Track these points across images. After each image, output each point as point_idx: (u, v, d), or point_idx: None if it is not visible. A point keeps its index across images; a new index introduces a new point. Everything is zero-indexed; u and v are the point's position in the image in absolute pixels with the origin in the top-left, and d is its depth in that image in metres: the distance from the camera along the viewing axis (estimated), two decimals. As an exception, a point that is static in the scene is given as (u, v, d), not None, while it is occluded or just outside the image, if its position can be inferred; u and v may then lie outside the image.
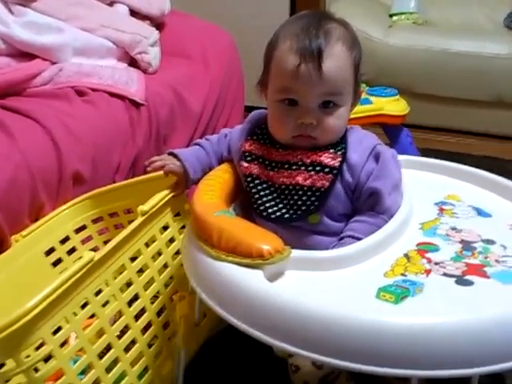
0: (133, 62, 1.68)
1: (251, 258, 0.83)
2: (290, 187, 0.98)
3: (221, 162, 1.12)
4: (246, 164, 1.03)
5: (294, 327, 0.75)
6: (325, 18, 0.99)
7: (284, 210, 0.98)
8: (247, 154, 1.03)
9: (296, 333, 0.75)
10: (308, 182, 0.96)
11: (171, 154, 1.11)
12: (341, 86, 0.96)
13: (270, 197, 1.00)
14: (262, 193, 1.01)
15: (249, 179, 1.02)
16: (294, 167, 0.98)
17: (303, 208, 0.97)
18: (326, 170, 0.96)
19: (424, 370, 0.71)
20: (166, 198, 1.09)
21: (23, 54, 1.48)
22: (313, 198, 0.96)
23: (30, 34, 1.46)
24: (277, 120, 1.00)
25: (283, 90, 0.97)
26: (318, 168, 0.96)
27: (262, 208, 1.00)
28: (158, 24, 1.88)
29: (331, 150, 0.97)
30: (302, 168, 0.97)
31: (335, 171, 0.96)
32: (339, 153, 0.97)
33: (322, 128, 0.96)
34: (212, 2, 2.78)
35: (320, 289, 0.81)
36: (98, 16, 1.63)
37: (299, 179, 0.97)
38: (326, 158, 0.97)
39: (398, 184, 1.00)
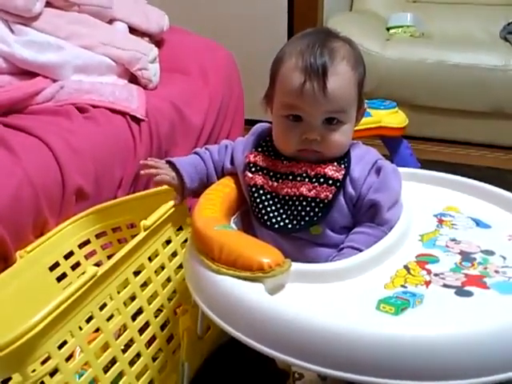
0: (133, 79, 1.70)
1: (251, 272, 0.83)
2: (294, 198, 0.99)
3: (222, 173, 1.12)
4: (250, 175, 1.04)
5: (295, 339, 0.76)
6: (330, 35, 1.00)
7: (287, 221, 0.99)
8: (252, 165, 1.04)
9: (296, 345, 0.76)
10: (312, 193, 0.97)
11: (169, 162, 1.11)
12: (345, 103, 0.97)
13: (273, 207, 1.01)
14: (265, 203, 1.01)
15: (253, 189, 1.03)
16: (299, 178, 0.99)
17: (306, 219, 0.98)
18: (330, 181, 0.97)
19: (424, 381, 0.71)
20: (169, 213, 1.10)
21: (25, 72, 1.49)
22: (316, 210, 0.97)
23: (31, 52, 1.48)
24: (281, 134, 1.01)
25: (288, 107, 0.98)
26: (321, 180, 0.98)
27: (265, 218, 1.01)
28: (157, 41, 1.90)
29: (335, 163, 0.99)
30: (307, 179, 0.98)
31: (338, 183, 0.97)
32: (343, 166, 0.99)
33: (326, 144, 0.98)
34: (210, 18, 2.81)
35: (320, 301, 0.82)
36: (98, 34, 1.65)
37: (303, 190, 0.98)
38: (330, 171, 0.98)
39: (398, 197, 1.01)
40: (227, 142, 1.15)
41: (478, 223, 1.02)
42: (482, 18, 2.86)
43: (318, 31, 1.04)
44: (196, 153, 1.14)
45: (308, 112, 0.96)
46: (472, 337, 0.72)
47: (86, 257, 1.32)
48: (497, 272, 0.87)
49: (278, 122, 1.01)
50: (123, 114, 1.52)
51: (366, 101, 1.74)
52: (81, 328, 0.92)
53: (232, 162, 1.11)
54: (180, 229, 1.15)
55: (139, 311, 1.05)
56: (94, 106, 1.49)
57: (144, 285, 1.07)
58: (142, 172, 1.12)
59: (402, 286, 0.84)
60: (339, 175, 0.98)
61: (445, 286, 0.84)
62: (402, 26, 2.84)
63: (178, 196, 1.11)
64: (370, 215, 0.98)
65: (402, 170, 1.08)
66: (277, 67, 1.00)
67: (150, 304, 1.07)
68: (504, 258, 0.90)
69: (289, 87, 0.96)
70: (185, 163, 1.10)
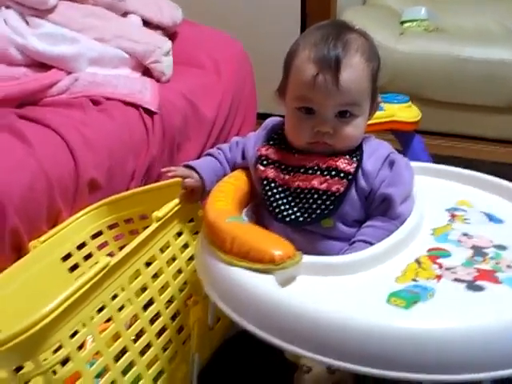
0: (146, 72, 1.70)
1: (263, 263, 0.83)
2: (306, 191, 0.99)
3: (234, 169, 1.13)
4: (262, 168, 1.04)
5: (305, 331, 0.76)
6: (345, 28, 0.99)
7: (298, 214, 0.99)
8: (263, 158, 1.05)
9: (306, 336, 0.76)
10: (324, 185, 0.97)
11: (187, 166, 1.11)
12: (357, 96, 0.97)
13: (285, 200, 1.01)
14: (277, 196, 1.01)
15: (265, 182, 1.03)
16: (310, 171, 0.99)
17: (318, 212, 0.98)
18: (342, 174, 0.97)
19: (434, 374, 0.72)
20: (180, 205, 1.10)
21: (39, 64, 1.50)
22: (328, 202, 0.97)
23: (46, 44, 1.49)
24: (294, 127, 1.01)
25: (300, 99, 0.98)
26: (333, 173, 0.98)
27: (277, 211, 1.01)
28: (170, 34, 1.90)
29: (347, 156, 0.99)
30: (318, 172, 0.98)
31: (350, 176, 0.97)
32: (355, 159, 0.99)
33: (338, 137, 0.98)
34: (223, 12, 2.80)
35: (331, 294, 0.82)
36: (112, 27, 1.65)
37: (315, 183, 0.98)
38: (342, 164, 0.98)
39: (410, 191, 1.01)
40: (237, 138, 1.16)
41: (491, 218, 1.01)
42: (497, 12, 2.83)
43: (332, 23, 1.05)
44: (210, 154, 1.14)
45: (320, 104, 0.96)
46: (483, 331, 0.72)
47: (99, 248, 1.33)
48: (509, 267, 0.86)
49: (291, 115, 1.01)
50: (136, 106, 1.53)
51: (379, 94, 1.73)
52: (92, 318, 0.93)
53: (243, 157, 1.12)
54: (191, 221, 1.16)
55: (150, 302, 1.05)
56: (108, 99, 1.50)
57: (155, 276, 1.07)
58: (169, 174, 1.12)
59: (413, 279, 0.84)
60: (351, 168, 0.98)
61: (456, 280, 0.83)
62: (416, 20, 2.81)
63: (196, 197, 1.11)
64: (382, 209, 0.98)
65: (414, 164, 1.08)
66: (290, 59, 1.00)
67: (161, 295, 1.08)
68: (516, 253, 0.90)
69: (302, 79, 0.96)
70: (204, 167, 1.10)
